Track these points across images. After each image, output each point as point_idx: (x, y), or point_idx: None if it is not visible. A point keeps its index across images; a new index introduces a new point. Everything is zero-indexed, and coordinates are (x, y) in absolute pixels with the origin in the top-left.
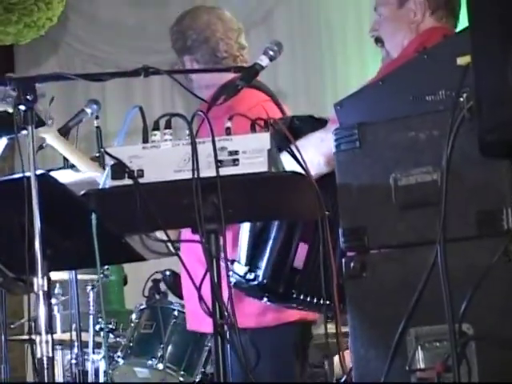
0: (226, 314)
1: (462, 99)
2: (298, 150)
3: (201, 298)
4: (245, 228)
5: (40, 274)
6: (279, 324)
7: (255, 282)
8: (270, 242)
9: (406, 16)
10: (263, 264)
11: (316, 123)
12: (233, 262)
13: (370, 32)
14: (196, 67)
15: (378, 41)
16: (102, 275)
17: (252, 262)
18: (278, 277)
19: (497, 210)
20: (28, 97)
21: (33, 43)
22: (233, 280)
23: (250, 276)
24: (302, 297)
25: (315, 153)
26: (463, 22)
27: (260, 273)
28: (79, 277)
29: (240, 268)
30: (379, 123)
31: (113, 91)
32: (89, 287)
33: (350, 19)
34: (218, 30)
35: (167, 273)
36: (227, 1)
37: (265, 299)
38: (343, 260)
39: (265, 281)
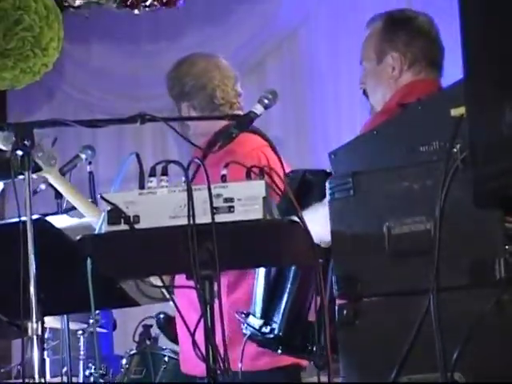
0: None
1: (455, 150)
2: (303, 220)
3: (194, 343)
4: (259, 281)
5: (34, 319)
6: (272, 368)
7: (271, 336)
8: (285, 296)
9: (384, 71)
10: (279, 317)
11: (328, 178)
12: (248, 314)
13: (359, 84)
14: (193, 113)
15: (365, 93)
16: (93, 320)
17: (267, 315)
18: (294, 330)
19: (489, 260)
20: (25, 142)
21: (26, 88)
22: (247, 332)
23: (266, 329)
24: (315, 349)
25: (320, 229)
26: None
27: (276, 326)
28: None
29: (255, 321)
30: (373, 172)
31: (104, 137)
32: (79, 332)
33: (341, 69)
34: (216, 77)
35: (161, 315)
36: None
37: (279, 351)
38: (336, 307)
39: (281, 334)
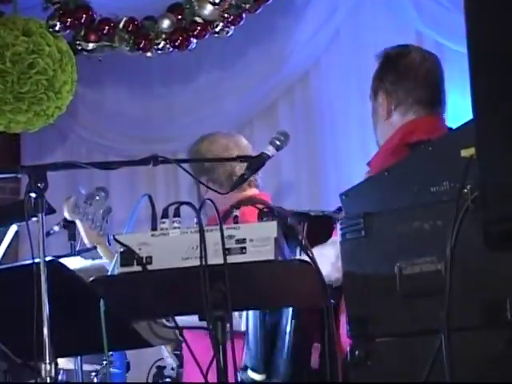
0: None
1: (466, 190)
2: (315, 261)
3: None
4: (251, 333)
5: (48, 360)
6: None
7: None
8: (286, 346)
9: (378, 110)
10: (282, 369)
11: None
12: (245, 368)
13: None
14: (211, 187)
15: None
16: (107, 361)
17: (269, 369)
18: (299, 381)
19: (501, 300)
20: (39, 185)
21: (40, 131)
22: None
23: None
24: None
25: (332, 269)
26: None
27: (280, 378)
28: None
29: (256, 375)
30: (384, 213)
31: (117, 179)
32: (93, 373)
33: (352, 111)
34: (235, 155)
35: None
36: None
37: None
38: (348, 348)
39: None
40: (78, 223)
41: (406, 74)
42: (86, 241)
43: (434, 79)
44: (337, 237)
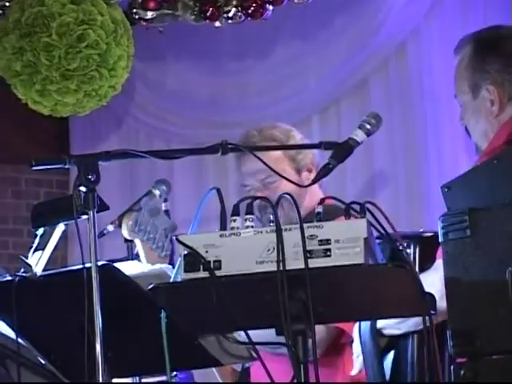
0: None
1: None
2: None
3: None
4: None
5: (101, 380)
6: None
7: None
8: (409, 367)
9: (483, 107)
10: None
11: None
12: None
13: (460, 121)
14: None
15: (467, 130)
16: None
17: None
18: None
19: None
20: (90, 177)
21: (91, 114)
22: None
23: None
24: None
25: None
26: None
27: None
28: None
29: None
30: (493, 208)
31: (182, 170)
32: None
33: None
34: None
35: None
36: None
37: None
38: (452, 367)
39: None
40: (138, 243)
41: None
42: (144, 262)
43: None
44: (441, 259)
